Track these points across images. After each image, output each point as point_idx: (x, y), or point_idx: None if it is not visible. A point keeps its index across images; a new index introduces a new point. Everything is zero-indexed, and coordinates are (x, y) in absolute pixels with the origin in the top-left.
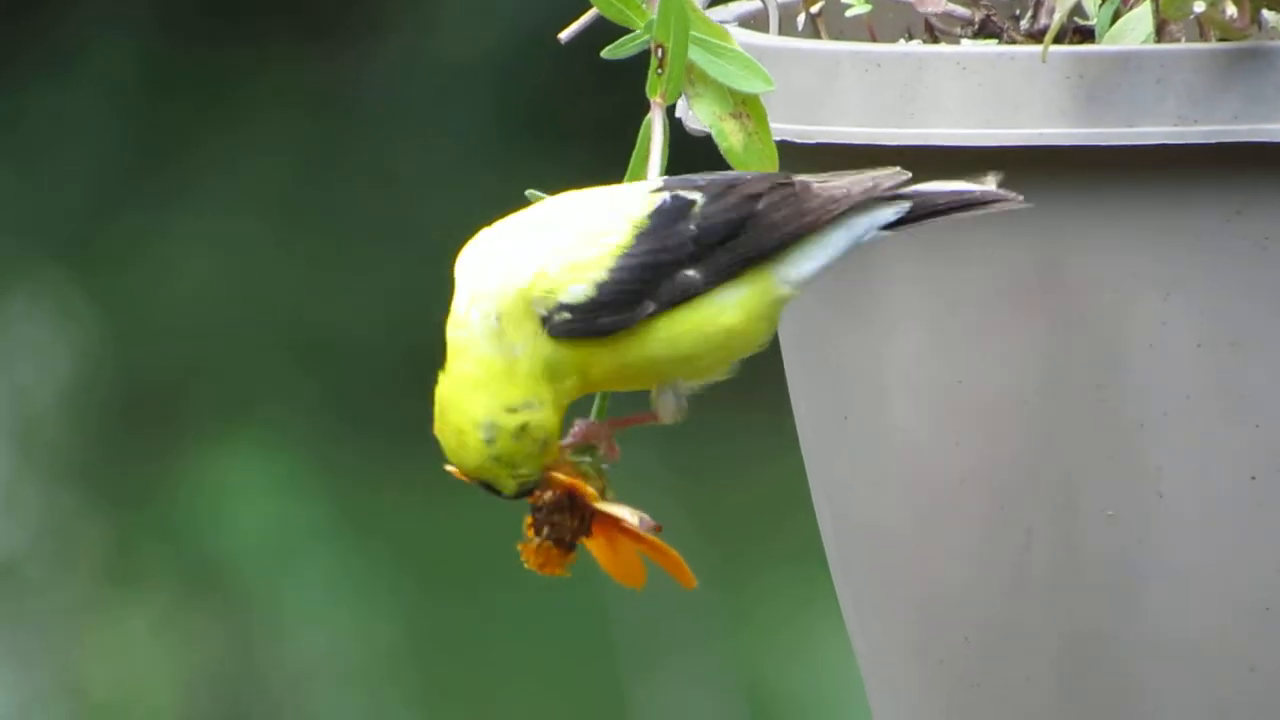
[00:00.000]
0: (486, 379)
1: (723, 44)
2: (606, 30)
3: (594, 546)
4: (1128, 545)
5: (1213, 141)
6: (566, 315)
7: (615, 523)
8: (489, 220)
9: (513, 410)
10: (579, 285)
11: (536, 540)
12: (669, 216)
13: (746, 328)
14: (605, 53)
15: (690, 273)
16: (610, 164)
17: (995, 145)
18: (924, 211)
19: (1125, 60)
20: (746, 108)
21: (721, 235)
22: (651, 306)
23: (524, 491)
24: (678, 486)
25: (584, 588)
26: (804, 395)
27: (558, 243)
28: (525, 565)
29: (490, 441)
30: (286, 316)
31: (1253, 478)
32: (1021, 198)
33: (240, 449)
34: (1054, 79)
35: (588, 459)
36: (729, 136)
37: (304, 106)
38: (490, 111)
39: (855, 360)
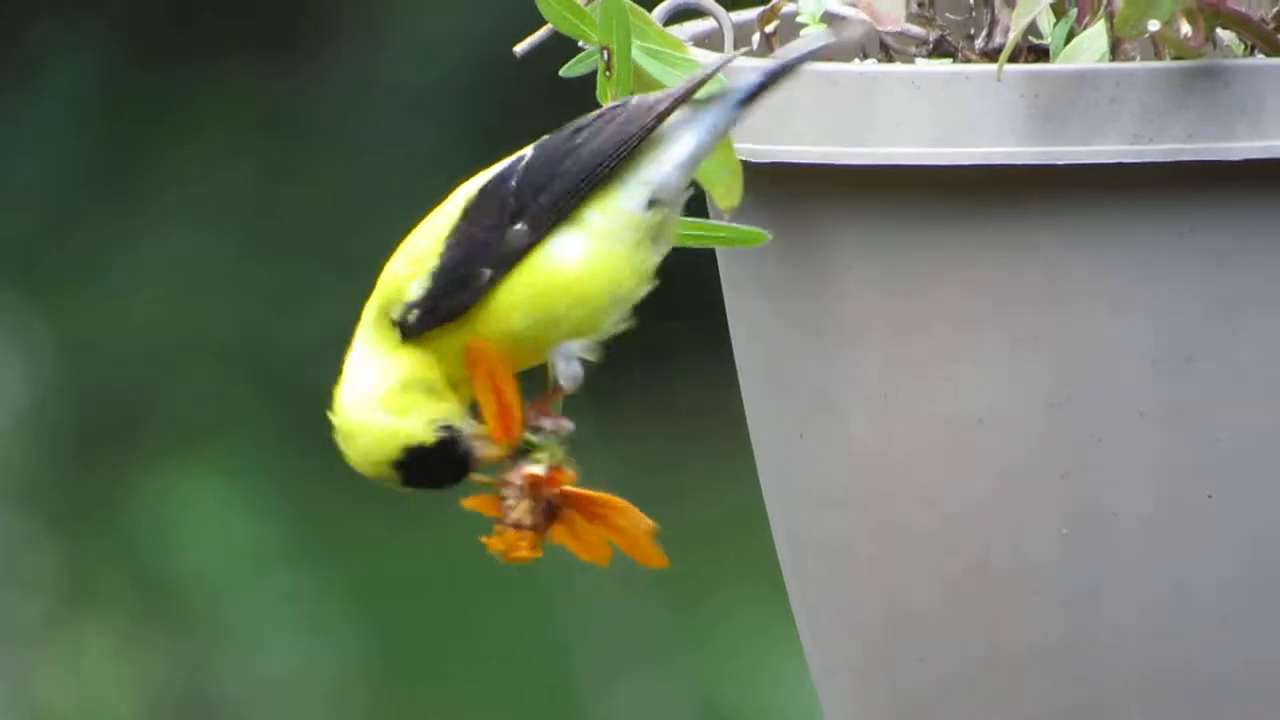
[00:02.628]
0: (352, 374)
1: (677, 54)
2: (563, 52)
3: (560, 535)
4: (1083, 563)
5: (1168, 160)
6: (415, 312)
7: (584, 508)
8: None
9: (382, 379)
10: (418, 280)
11: (501, 527)
12: (497, 181)
13: (604, 269)
14: (563, 71)
15: (517, 227)
16: None
17: (950, 164)
18: (778, 72)
19: (1080, 79)
20: None
21: (542, 179)
22: (487, 274)
23: (455, 445)
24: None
25: (541, 610)
26: (760, 414)
27: (408, 245)
28: (491, 554)
29: (374, 408)
30: (244, 339)
31: (1209, 495)
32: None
33: (197, 472)
34: (1009, 98)
35: (538, 438)
36: None
37: (262, 126)
38: (448, 132)
39: (811, 379)
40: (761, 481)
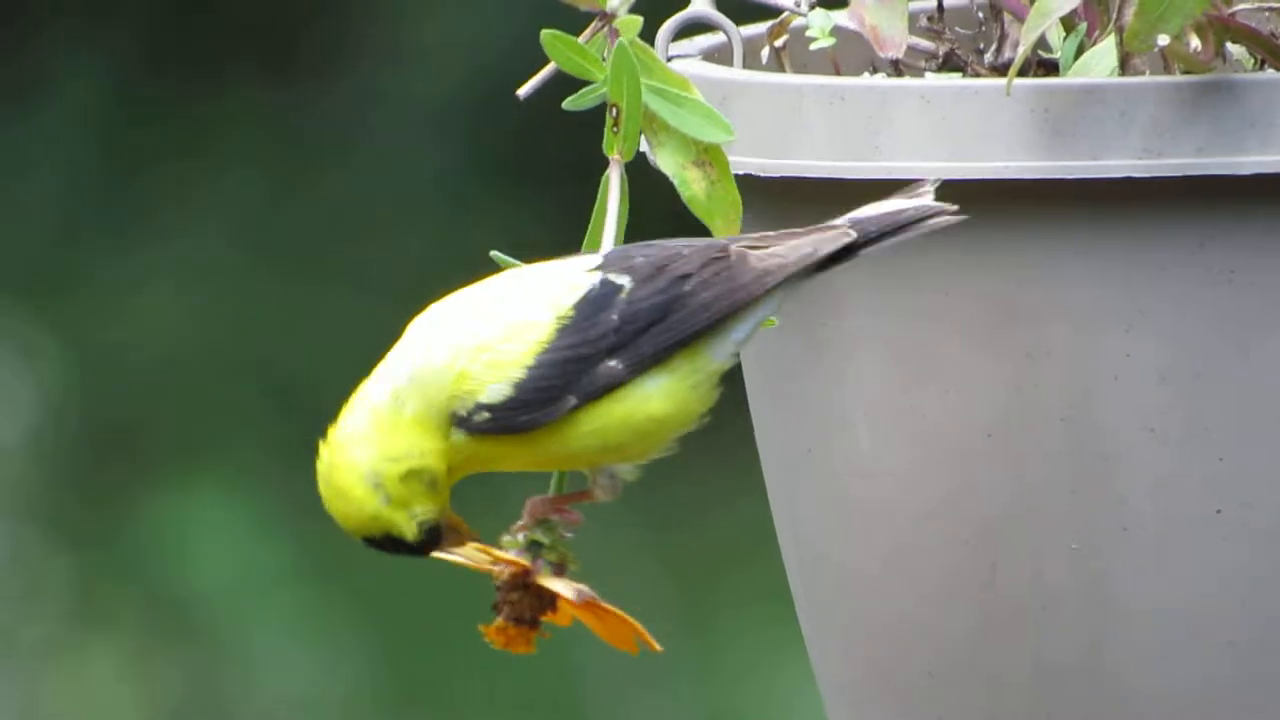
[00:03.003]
0: (369, 434)
1: (683, 94)
2: (570, 76)
3: (583, 616)
4: (1092, 579)
5: (1178, 174)
6: (486, 415)
7: (580, 605)
8: (457, 259)
9: (395, 459)
10: (498, 385)
11: (498, 620)
12: (594, 306)
13: (677, 412)
14: (566, 104)
15: (612, 363)
16: (579, 204)
17: (959, 179)
18: (861, 242)
19: (1090, 93)
20: (709, 156)
21: (646, 322)
22: (572, 401)
23: (428, 538)
24: (642, 528)
25: (553, 631)
26: (768, 430)
27: (482, 336)
28: (492, 647)
29: (377, 487)
30: (253, 353)
31: (1218, 511)
32: (955, 208)
33: (205, 489)
34: (1018, 112)
35: (541, 534)
36: (691, 185)
37: (269, 140)
38: (460, 149)
39: (819, 395)
40: (770, 498)
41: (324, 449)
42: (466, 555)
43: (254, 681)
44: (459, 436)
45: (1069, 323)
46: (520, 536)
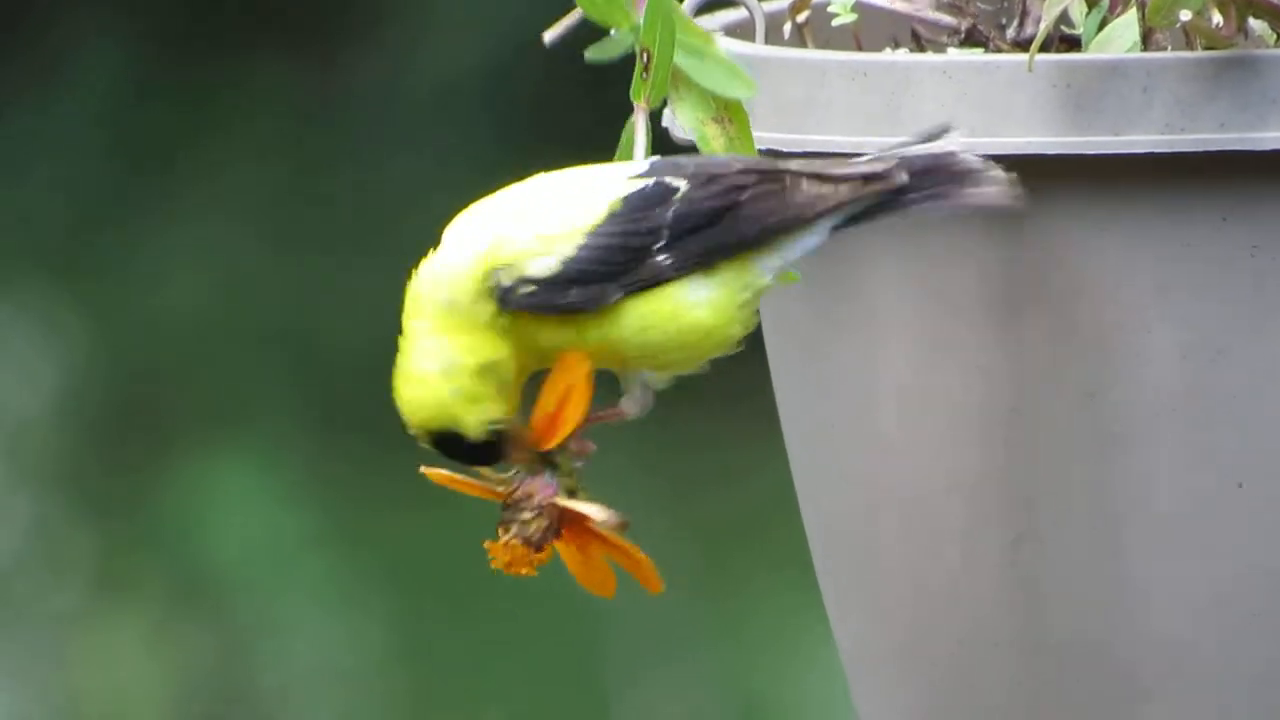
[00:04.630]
0: (446, 328)
1: (706, 48)
2: (593, 37)
3: (565, 554)
4: (1115, 552)
5: (1200, 150)
6: (531, 288)
7: (584, 524)
8: None
9: (472, 350)
10: (546, 259)
11: (504, 538)
12: (649, 200)
13: (719, 324)
14: (589, 54)
15: (661, 258)
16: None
17: (982, 154)
18: (909, 199)
19: (1112, 69)
20: (729, 112)
21: (697, 223)
22: (617, 293)
23: (494, 440)
24: (664, 495)
25: (571, 599)
26: (790, 403)
27: (530, 214)
28: (492, 565)
29: (449, 376)
30: (276, 326)
31: (1239, 485)
32: (1005, 178)
33: (229, 458)
34: (1040, 88)
35: (560, 457)
36: (711, 141)
37: (292, 116)
38: (480, 121)
39: (841, 368)
40: (793, 470)
41: (402, 344)
42: (479, 482)
43: (280, 650)
44: (505, 316)
45: (1091, 299)
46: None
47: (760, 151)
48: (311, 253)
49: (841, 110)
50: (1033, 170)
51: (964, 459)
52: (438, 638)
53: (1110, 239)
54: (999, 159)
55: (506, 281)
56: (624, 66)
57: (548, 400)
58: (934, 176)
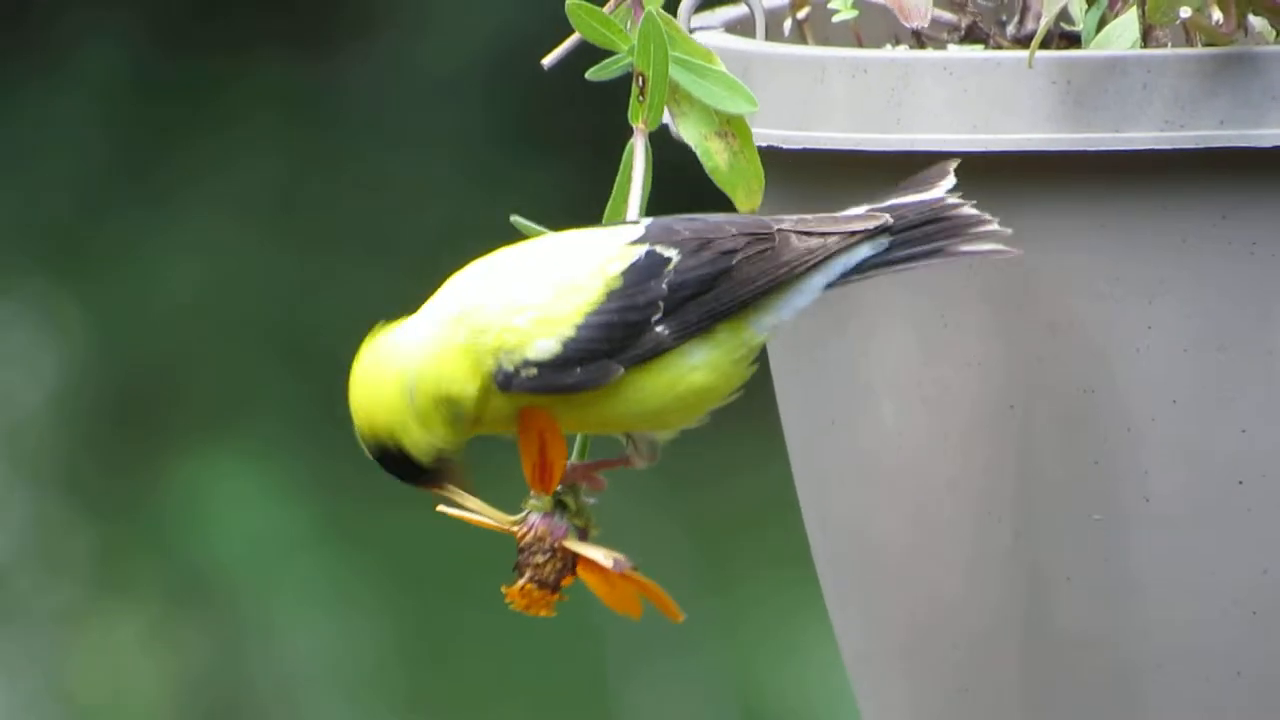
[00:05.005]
0: (425, 345)
1: (706, 65)
2: (594, 46)
3: (588, 579)
4: (1114, 549)
5: (1199, 147)
6: (532, 371)
7: (605, 570)
8: (477, 228)
9: (438, 379)
10: (546, 341)
11: (520, 582)
12: (643, 274)
13: (718, 384)
14: (589, 75)
15: (659, 330)
16: (598, 172)
17: (981, 151)
18: (901, 255)
19: (1112, 65)
20: (731, 127)
21: (693, 291)
22: (619, 369)
23: (437, 467)
24: (666, 492)
25: (573, 595)
26: (791, 400)
27: (528, 294)
28: (511, 608)
29: (411, 394)
30: (275, 323)
31: (1239, 482)
32: (1001, 232)
33: (228, 456)
34: (1040, 84)
35: (568, 497)
36: (714, 156)
37: (291, 113)
38: (478, 118)
39: (841, 365)
40: (793, 468)
41: (372, 343)
42: (485, 512)
43: (276, 648)
44: (496, 395)
45: (1091, 295)
46: (540, 500)
47: (760, 150)
48: (310, 249)
49: (842, 107)
50: (1033, 166)
51: (962, 455)
52: (435, 634)
53: (1110, 234)
54: (999, 156)
55: (509, 367)
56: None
57: (530, 451)
58: (928, 229)
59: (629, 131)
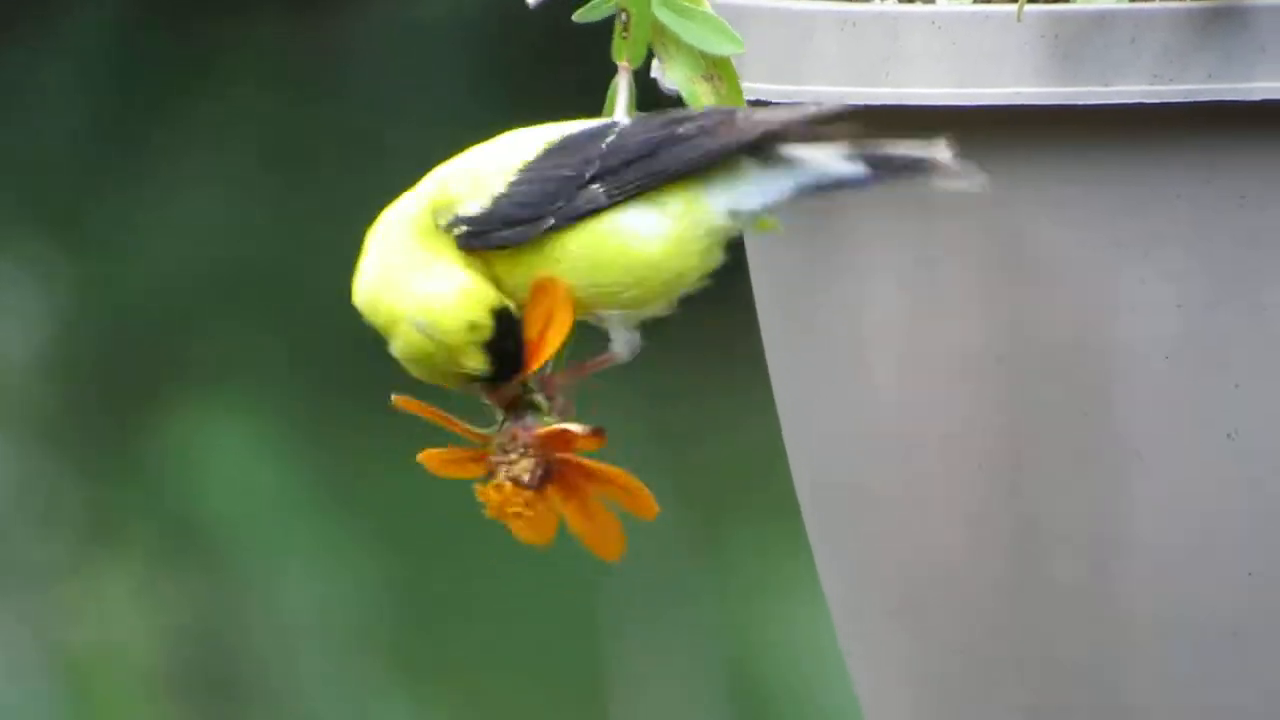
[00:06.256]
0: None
1: (692, 6)
2: None
3: (568, 513)
4: (1106, 505)
5: (1188, 100)
6: (464, 228)
7: (572, 459)
8: None
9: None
10: (476, 200)
11: (493, 480)
12: (584, 137)
13: (672, 260)
14: (575, 17)
15: (594, 187)
16: None
17: (970, 105)
18: (880, 180)
19: (1100, 19)
20: (718, 70)
21: (634, 154)
22: (550, 221)
23: (494, 365)
24: (655, 448)
25: (563, 554)
26: (780, 354)
27: (471, 160)
28: (486, 512)
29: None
30: (267, 281)
31: (1229, 435)
32: (978, 176)
33: (220, 414)
34: (1029, 38)
35: (541, 400)
36: (700, 99)
37: (281, 74)
38: (470, 77)
39: (831, 318)
40: (782, 425)
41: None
42: (453, 419)
43: (268, 605)
44: (464, 255)
45: (1082, 249)
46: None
47: (748, 104)
48: (303, 209)
49: (830, 61)
50: (1021, 120)
51: (951, 409)
52: (428, 593)
53: (1099, 190)
54: (987, 110)
55: (442, 222)
56: (611, 21)
57: (531, 327)
58: (910, 169)
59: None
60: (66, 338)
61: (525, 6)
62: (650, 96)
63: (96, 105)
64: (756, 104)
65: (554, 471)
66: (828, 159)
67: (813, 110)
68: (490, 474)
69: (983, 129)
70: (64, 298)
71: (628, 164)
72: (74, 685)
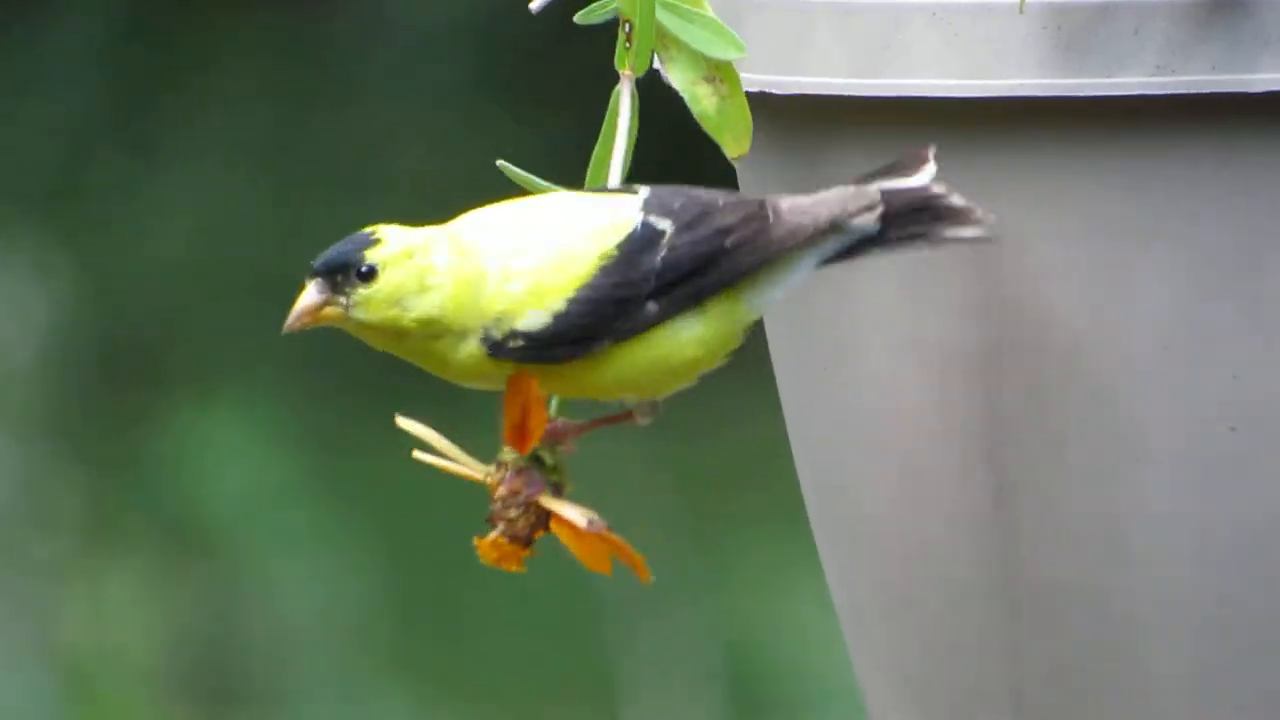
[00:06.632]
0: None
1: (694, 9)
2: None
3: (561, 533)
4: (1107, 497)
5: (1191, 92)
6: (520, 342)
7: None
8: (465, 178)
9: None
10: (538, 313)
11: (492, 535)
12: (637, 246)
13: (709, 356)
14: (577, 19)
15: (649, 306)
16: (584, 123)
17: (972, 96)
18: (892, 236)
19: (1103, 10)
20: (719, 72)
21: (687, 270)
22: (607, 341)
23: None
24: (656, 443)
25: (561, 549)
26: (783, 351)
27: (524, 261)
28: (482, 560)
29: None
30: (265, 273)
31: (1232, 429)
32: (989, 221)
33: (219, 407)
34: (1032, 30)
35: (546, 453)
36: (702, 101)
37: (280, 63)
38: (465, 69)
39: (833, 315)
40: (786, 419)
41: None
42: (461, 460)
43: (268, 600)
44: (481, 356)
45: (1082, 241)
46: (514, 457)
47: (750, 95)
48: (299, 199)
49: (831, 53)
50: (1023, 112)
51: (948, 404)
52: (426, 586)
53: (1101, 180)
54: (989, 101)
55: (497, 335)
56: (611, 23)
57: (512, 413)
58: (919, 215)
59: (616, 80)
60: (65, 335)
61: (525, 7)
62: (650, 104)
63: (93, 93)
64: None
65: (551, 521)
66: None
67: (842, 212)
68: (489, 521)
69: (985, 121)
70: (62, 292)
71: (680, 280)
72: (74, 684)
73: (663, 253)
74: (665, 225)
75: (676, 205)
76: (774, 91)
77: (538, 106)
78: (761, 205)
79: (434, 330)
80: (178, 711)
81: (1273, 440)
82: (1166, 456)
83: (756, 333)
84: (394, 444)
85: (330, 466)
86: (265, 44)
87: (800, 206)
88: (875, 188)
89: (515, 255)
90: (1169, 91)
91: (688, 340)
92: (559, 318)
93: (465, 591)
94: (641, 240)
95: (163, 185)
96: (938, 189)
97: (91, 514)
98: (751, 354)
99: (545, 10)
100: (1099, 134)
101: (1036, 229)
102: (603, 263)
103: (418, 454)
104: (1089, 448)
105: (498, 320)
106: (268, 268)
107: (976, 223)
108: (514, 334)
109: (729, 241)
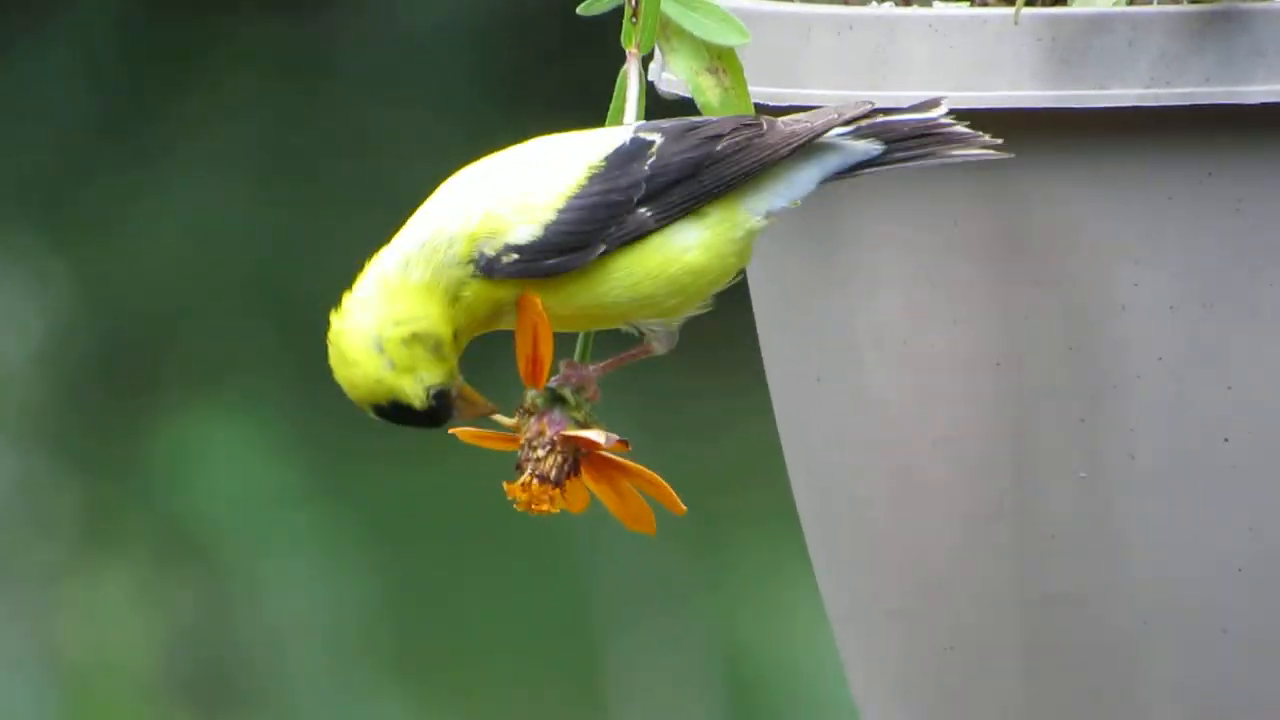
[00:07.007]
0: (374, 299)
1: None
2: None
3: (599, 491)
4: (1100, 507)
5: (1185, 104)
6: (514, 256)
7: (599, 456)
8: None
9: (398, 323)
10: (527, 226)
11: (521, 478)
12: (625, 157)
13: (712, 265)
14: (581, 9)
15: (643, 211)
16: (585, 126)
17: (967, 108)
18: (896, 156)
19: (1097, 22)
20: (723, 62)
21: (677, 175)
22: (601, 248)
23: (437, 405)
24: (652, 448)
25: (558, 551)
26: (777, 358)
27: (512, 183)
28: (515, 506)
29: (380, 351)
30: (261, 280)
31: (1225, 439)
32: (999, 142)
33: (215, 413)
34: (1026, 41)
35: (567, 392)
36: (705, 92)
37: (279, 71)
38: (465, 75)
39: (827, 322)
40: (779, 426)
41: (334, 316)
42: (485, 431)
43: (264, 604)
44: (478, 283)
45: (1077, 253)
46: (538, 396)
47: (758, 111)
48: (296, 207)
49: (828, 63)
50: (1018, 124)
51: (949, 412)
52: (424, 591)
53: (1096, 192)
54: (985, 113)
55: (491, 251)
56: (614, 18)
57: (523, 344)
58: (923, 139)
59: (615, 84)
60: (62, 341)
61: (525, 7)
62: (653, 101)
63: (91, 101)
64: (761, 110)
65: (582, 460)
66: (843, 143)
67: (837, 118)
68: (518, 468)
69: (980, 132)
70: (58, 298)
71: (672, 186)
72: (73, 685)
73: (651, 160)
74: (654, 137)
75: (667, 124)
76: (770, 103)
77: (540, 109)
78: (756, 117)
79: (448, 326)
80: (175, 714)
81: (1266, 451)
82: (1160, 467)
83: (748, 335)
84: (390, 449)
85: (326, 470)
86: (261, 54)
87: (796, 118)
88: (871, 106)
89: (504, 183)
90: (1163, 103)
91: (686, 246)
92: (549, 227)
93: (462, 594)
94: (629, 152)
95: (160, 193)
96: (942, 119)
97: (88, 518)
98: (751, 355)
99: (547, 13)
100: (1093, 146)
101: (1031, 240)
102: (591, 173)
103: (452, 428)
104: (1085, 457)
105: (489, 240)
106: (263, 274)
107: (982, 146)
108: (507, 248)
109: (720, 146)
